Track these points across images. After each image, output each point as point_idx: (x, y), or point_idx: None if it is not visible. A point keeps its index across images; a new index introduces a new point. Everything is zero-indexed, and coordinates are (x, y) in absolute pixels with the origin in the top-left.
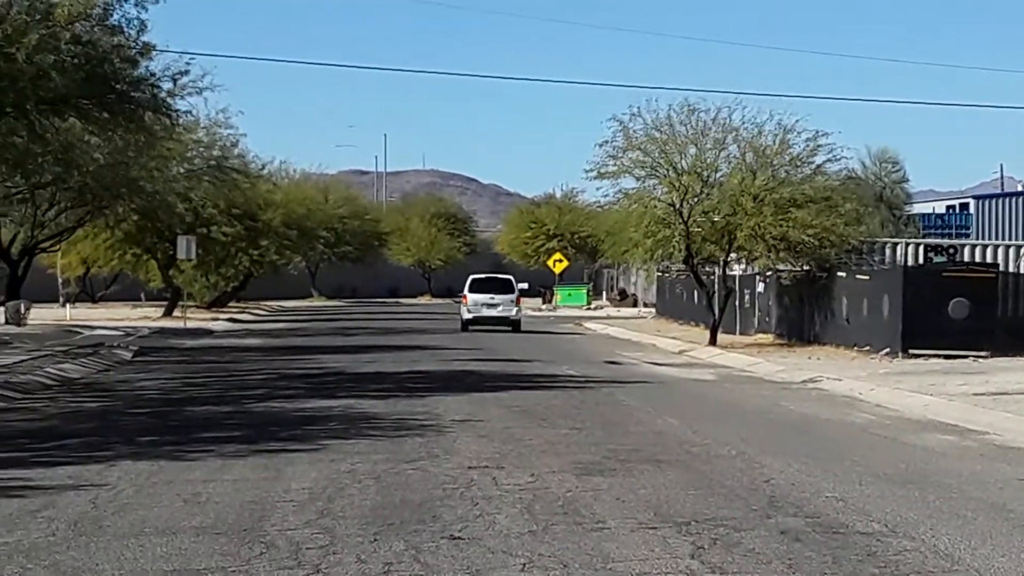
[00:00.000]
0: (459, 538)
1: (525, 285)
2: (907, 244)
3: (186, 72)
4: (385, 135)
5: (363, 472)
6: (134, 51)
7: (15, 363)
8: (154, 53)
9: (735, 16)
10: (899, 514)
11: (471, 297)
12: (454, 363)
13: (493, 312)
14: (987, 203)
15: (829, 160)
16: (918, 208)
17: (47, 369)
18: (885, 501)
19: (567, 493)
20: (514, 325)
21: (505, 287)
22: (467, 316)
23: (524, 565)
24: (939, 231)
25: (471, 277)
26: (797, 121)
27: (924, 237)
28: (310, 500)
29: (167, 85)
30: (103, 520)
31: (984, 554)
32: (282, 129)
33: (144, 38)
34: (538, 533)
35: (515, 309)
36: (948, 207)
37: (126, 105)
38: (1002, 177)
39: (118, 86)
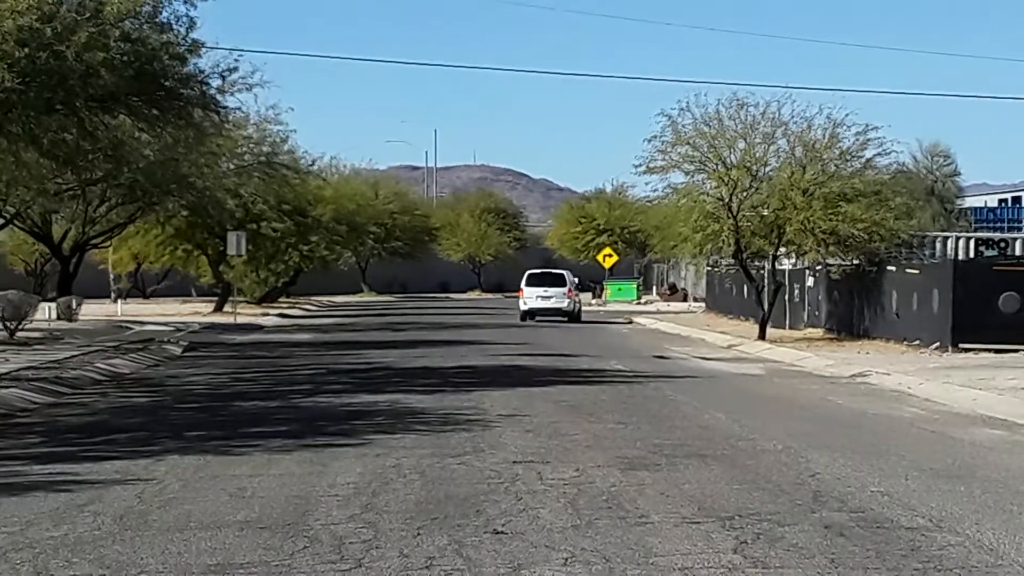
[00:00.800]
0: (502, 532)
1: (576, 279)
2: (958, 238)
3: (235, 69)
4: (436, 131)
5: (408, 467)
6: (183, 48)
7: (66, 358)
8: (203, 50)
9: (785, 10)
10: (944, 509)
11: (527, 291)
12: (502, 358)
13: (547, 304)
14: None
15: (879, 154)
16: (970, 202)
17: (97, 364)
18: (930, 496)
19: (611, 488)
20: (569, 316)
21: (558, 281)
22: (524, 308)
23: (566, 559)
24: (991, 225)
25: (527, 272)
26: (847, 115)
27: (976, 231)
28: (355, 495)
29: (216, 82)
30: (149, 514)
31: None
32: (333, 125)
33: (193, 35)
34: (581, 527)
35: (567, 301)
36: (1000, 200)
37: (175, 102)
38: None
39: (167, 83)
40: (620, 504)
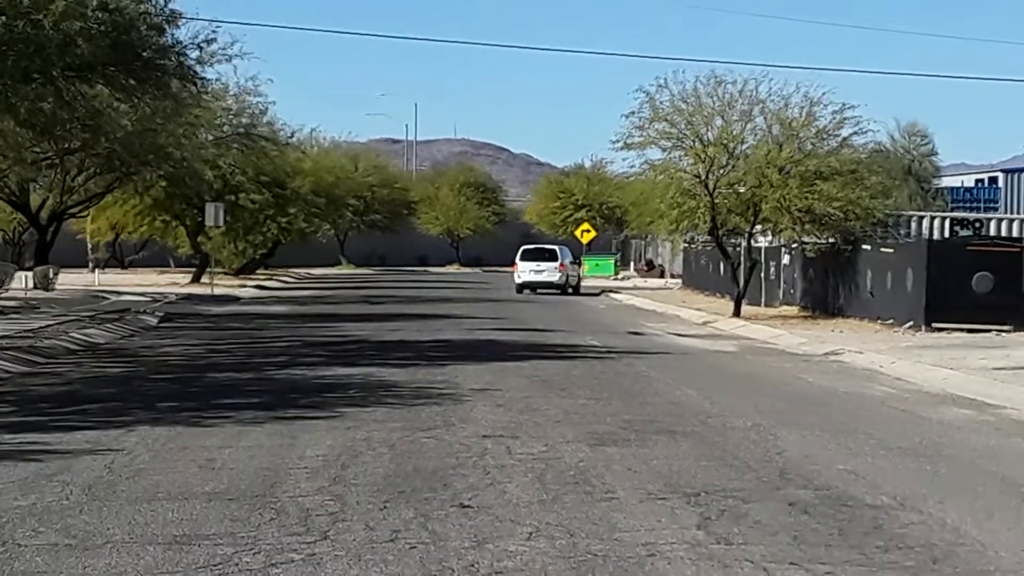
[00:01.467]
0: (468, 506)
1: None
2: (933, 217)
3: (213, 40)
4: (416, 104)
5: (378, 440)
6: (161, 18)
7: (41, 328)
8: (182, 21)
9: None
10: (909, 487)
11: (521, 265)
12: (477, 332)
13: (539, 277)
14: (1016, 176)
15: (856, 133)
16: (947, 181)
17: (72, 334)
18: (896, 474)
19: (579, 463)
20: (561, 288)
21: (550, 256)
22: (519, 281)
23: (531, 534)
24: (968, 205)
25: (522, 248)
26: (824, 94)
27: (952, 211)
28: (324, 467)
29: (194, 53)
30: (117, 485)
31: (991, 528)
32: (313, 98)
33: (172, 6)
34: (547, 502)
35: (558, 274)
36: (977, 181)
37: (153, 72)
38: None
39: (145, 53)
40: (587, 479)
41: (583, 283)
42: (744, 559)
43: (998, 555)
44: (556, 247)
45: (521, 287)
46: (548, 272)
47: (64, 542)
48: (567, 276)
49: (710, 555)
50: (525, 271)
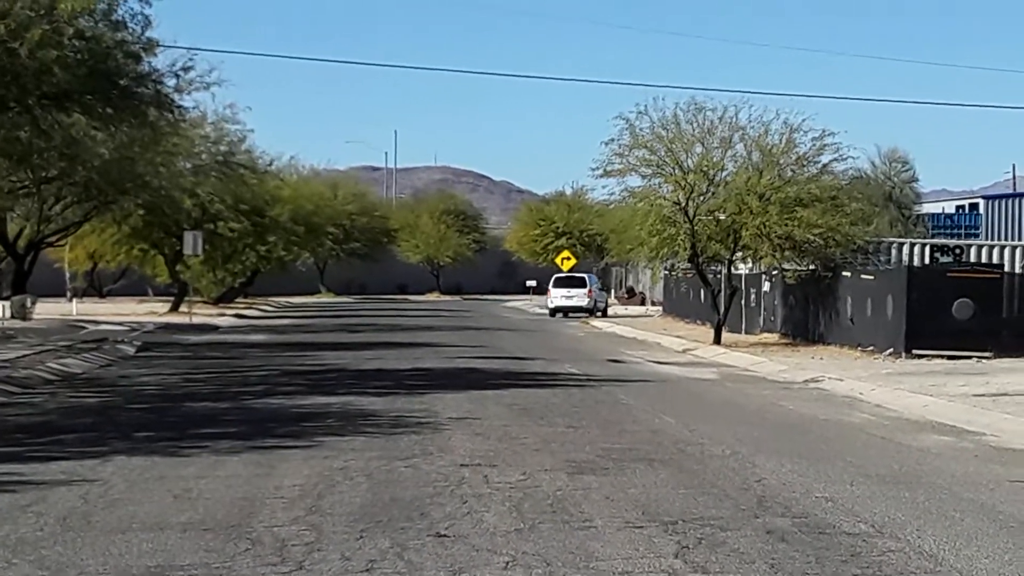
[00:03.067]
0: (445, 536)
1: (533, 283)
2: (913, 244)
3: (191, 68)
4: (396, 131)
5: (355, 469)
6: (138, 47)
7: (17, 357)
8: (159, 49)
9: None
10: (887, 515)
11: (553, 291)
12: (457, 360)
13: (570, 302)
14: (997, 203)
15: (836, 159)
16: (928, 208)
17: (49, 364)
18: (874, 502)
19: (557, 492)
20: (589, 311)
21: (580, 283)
22: (552, 305)
23: (507, 563)
24: (948, 231)
25: (555, 276)
26: (804, 120)
27: (933, 237)
28: (300, 497)
29: (172, 81)
30: (92, 515)
31: (968, 555)
32: (292, 126)
33: (149, 34)
34: (524, 531)
35: (587, 299)
36: (958, 207)
37: (130, 101)
38: (1014, 177)
39: (122, 82)
40: (565, 508)
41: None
42: None
43: None
44: (585, 275)
45: (554, 311)
46: (578, 298)
47: (38, 573)
48: (595, 301)
49: None
50: (558, 296)
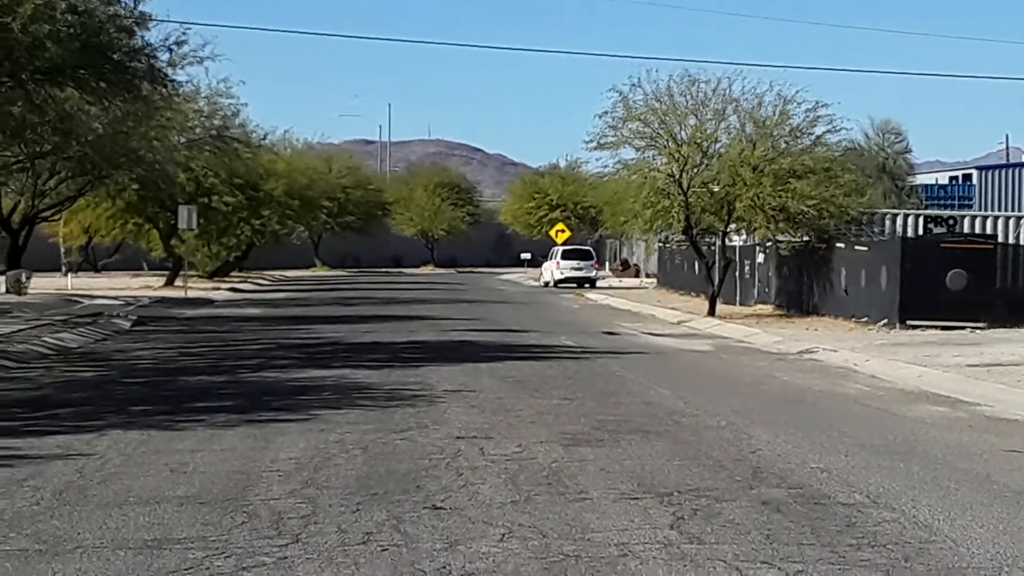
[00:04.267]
0: (441, 508)
1: (528, 255)
2: (907, 215)
3: (184, 42)
4: (390, 105)
5: (351, 442)
6: (130, 21)
7: (13, 332)
8: (152, 23)
9: None
10: (882, 485)
11: (562, 263)
12: (452, 333)
13: (579, 273)
14: (990, 174)
15: (829, 131)
16: (921, 179)
17: (44, 338)
18: (869, 472)
19: (552, 463)
20: (591, 282)
21: (586, 255)
22: (560, 276)
23: (503, 535)
24: (942, 202)
25: (560, 248)
26: (797, 92)
27: (927, 208)
28: (296, 470)
29: (165, 55)
30: (88, 489)
31: (963, 524)
32: (286, 99)
33: (142, 8)
34: (520, 503)
35: (593, 272)
36: (951, 178)
37: (123, 75)
38: (1007, 148)
39: (115, 56)
40: (560, 480)
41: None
42: (717, 558)
43: (970, 552)
44: (589, 248)
45: (559, 281)
46: (585, 269)
47: (35, 547)
48: (596, 272)
49: (683, 555)
50: (567, 268)
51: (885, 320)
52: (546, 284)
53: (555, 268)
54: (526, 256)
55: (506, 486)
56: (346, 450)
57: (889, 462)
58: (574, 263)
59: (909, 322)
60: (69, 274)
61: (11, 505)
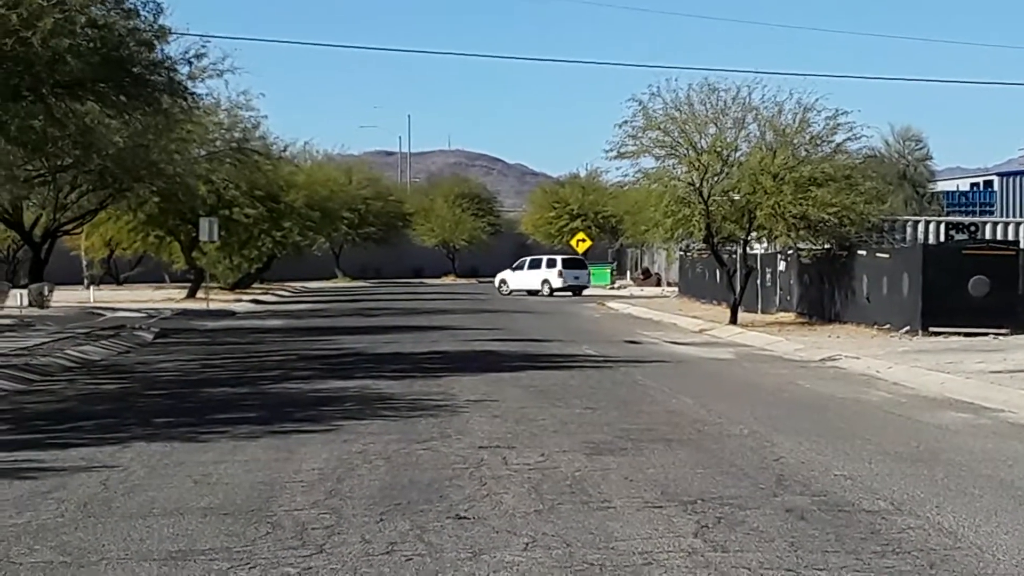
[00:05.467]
0: (465, 518)
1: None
2: (928, 222)
3: (203, 55)
4: (409, 116)
5: (374, 452)
6: (150, 34)
7: (36, 345)
8: (171, 36)
9: None
10: (906, 492)
11: (565, 272)
12: (474, 343)
13: (578, 282)
14: (1011, 180)
15: (850, 138)
16: (942, 186)
17: (67, 351)
18: (893, 479)
19: (576, 473)
20: (582, 289)
21: (583, 265)
22: (564, 284)
23: (527, 544)
24: (963, 209)
25: (561, 258)
26: (817, 100)
27: (948, 215)
28: (320, 480)
29: (185, 68)
30: (112, 501)
31: (988, 531)
32: (306, 111)
33: (161, 21)
34: (544, 512)
35: (587, 280)
36: (972, 184)
37: (143, 88)
38: None
39: (135, 69)
40: (584, 489)
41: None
42: (741, 566)
43: (995, 559)
44: (582, 259)
45: (562, 289)
46: (583, 278)
47: (59, 559)
48: (589, 281)
49: (707, 563)
50: (569, 277)
51: (907, 327)
52: (503, 290)
53: (556, 276)
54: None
55: (529, 495)
56: (369, 460)
57: (913, 469)
58: (576, 272)
59: (931, 329)
60: (91, 287)
61: (36, 517)
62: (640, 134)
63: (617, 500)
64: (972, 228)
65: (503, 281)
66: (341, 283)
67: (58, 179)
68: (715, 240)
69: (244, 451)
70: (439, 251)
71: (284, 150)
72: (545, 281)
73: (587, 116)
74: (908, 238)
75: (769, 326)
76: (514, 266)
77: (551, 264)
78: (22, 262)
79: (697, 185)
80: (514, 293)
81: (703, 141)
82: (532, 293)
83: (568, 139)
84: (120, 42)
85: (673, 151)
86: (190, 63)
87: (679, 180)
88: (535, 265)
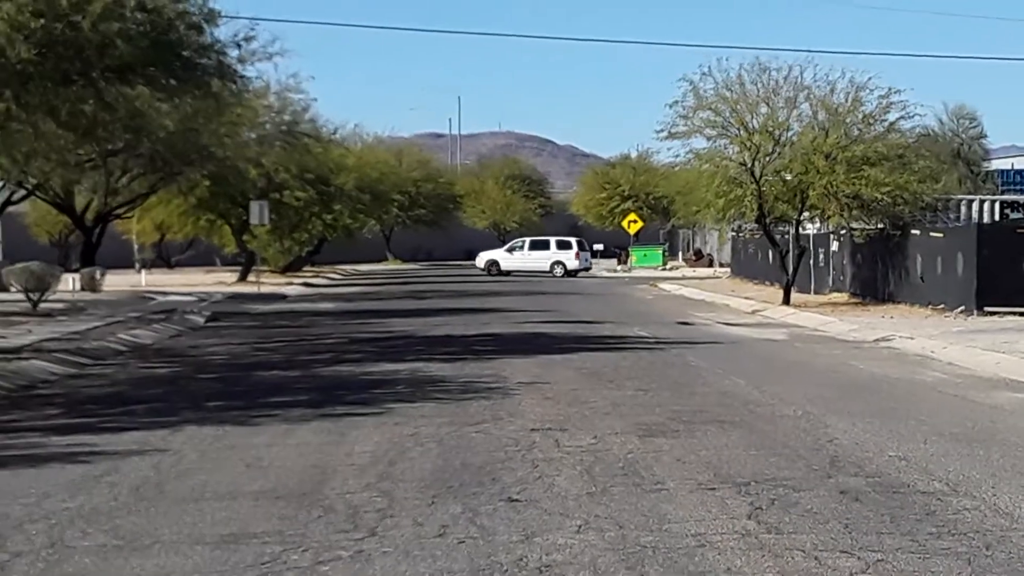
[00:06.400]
0: (517, 500)
1: (600, 247)
2: (982, 201)
3: (253, 38)
4: (459, 98)
5: (426, 435)
6: (200, 17)
7: (88, 329)
8: (221, 19)
9: None
10: (962, 473)
11: (581, 254)
12: (525, 325)
13: (588, 263)
14: None
15: (903, 117)
16: (997, 164)
17: (119, 335)
18: (948, 460)
19: (628, 455)
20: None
21: (588, 248)
22: (580, 266)
23: (580, 527)
24: (1018, 187)
25: (576, 239)
26: (870, 78)
27: (1003, 193)
28: (371, 464)
29: (234, 52)
30: (165, 485)
31: None
32: (356, 94)
33: (210, 5)
34: (596, 495)
35: (576, 262)
36: None
37: (193, 72)
38: None
39: (184, 53)
40: (636, 471)
41: (632, 274)
42: (795, 548)
43: None
44: (584, 240)
45: (578, 271)
46: (589, 261)
47: (112, 543)
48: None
49: (760, 544)
50: (584, 259)
51: (962, 307)
52: (493, 271)
53: (573, 258)
54: (598, 247)
55: (582, 477)
56: (421, 443)
57: (968, 450)
58: (586, 254)
59: (986, 308)
60: (142, 271)
61: (89, 501)
62: (691, 114)
63: (670, 482)
64: None
65: (492, 262)
66: (392, 266)
67: (109, 163)
68: (767, 220)
69: (296, 434)
70: (490, 233)
71: (334, 133)
72: (558, 263)
73: (637, 97)
74: (962, 217)
75: (822, 306)
76: (509, 247)
77: (564, 246)
78: (74, 247)
79: (749, 165)
80: (513, 275)
81: (754, 121)
82: (534, 275)
83: (618, 120)
84: (170, 25)
85: (724, 131)
86: (239, 46)
87: (731, 160)
88: (540, 246)
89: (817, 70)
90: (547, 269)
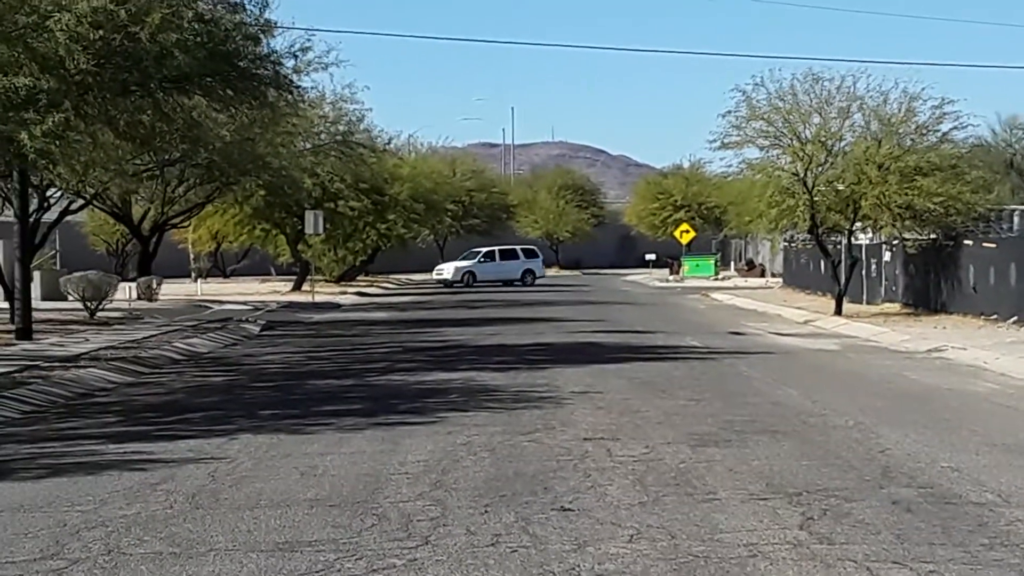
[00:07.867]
0: (569, 509)
1: (652, 256)
2: None
3: (308, 48)
4: (513, 108)
5: (479, 444)
6: (256, 28)
7: (144, 338)
8: (277, 30)
9: None
10: (1014, 484)
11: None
12: (577, 335)
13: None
14: None
15: (955, 128)
16: None
17: (175, 343)
18: (1001, 471)
19: (680, 464)
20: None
21: (535, 255)
22: (546, 273)
23: (632, 536)
24: None
25: (528, 247)
26: (923, 89)
27: None
28: (424, 472)
29: (290, 62)
30: (220, 493)
31: None
32: (410, 104)
33: (267, 15)
34: (648, 504)
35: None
36: None
37: (249, 82)
38: None
39: (241, 64)
40: (688, 481)
41: (684, 284)
42: (847, 558)
43: None
44: (519, 248)
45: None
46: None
47: (168, 550)
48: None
49: (812, 555)
50: (537, 266)
51: (1015, 317)
52: (447, 283)
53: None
54: (651, 257)
55: (634, 487)
56: (474, 452)
57: (1021, 461)
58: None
59: None
60: (198, 280)
61: (145, 508)
62: (744, 124)
63: (722, 492)
64: None
65: (468, 273)
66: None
67: (166, 173)
68: (819, 230)
69: (349, 443)
70: (543, 243)
71: (388, 143)
72: (529, 271)
73: (690, 107)
74: (1016, 228)
75: (874, 317)
76: (480, 258)
77: (530, 254)
78: (131, 256)
79: (801, 175)
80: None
81: (807, 131)
82: (508, 283)
83: (671, 130)
84: (226, 36)
85: (777, 141)
86: (295, 56)
87: (783, 170)
88: (510, 256)
89: (870, 80)
90: (518, 278)
